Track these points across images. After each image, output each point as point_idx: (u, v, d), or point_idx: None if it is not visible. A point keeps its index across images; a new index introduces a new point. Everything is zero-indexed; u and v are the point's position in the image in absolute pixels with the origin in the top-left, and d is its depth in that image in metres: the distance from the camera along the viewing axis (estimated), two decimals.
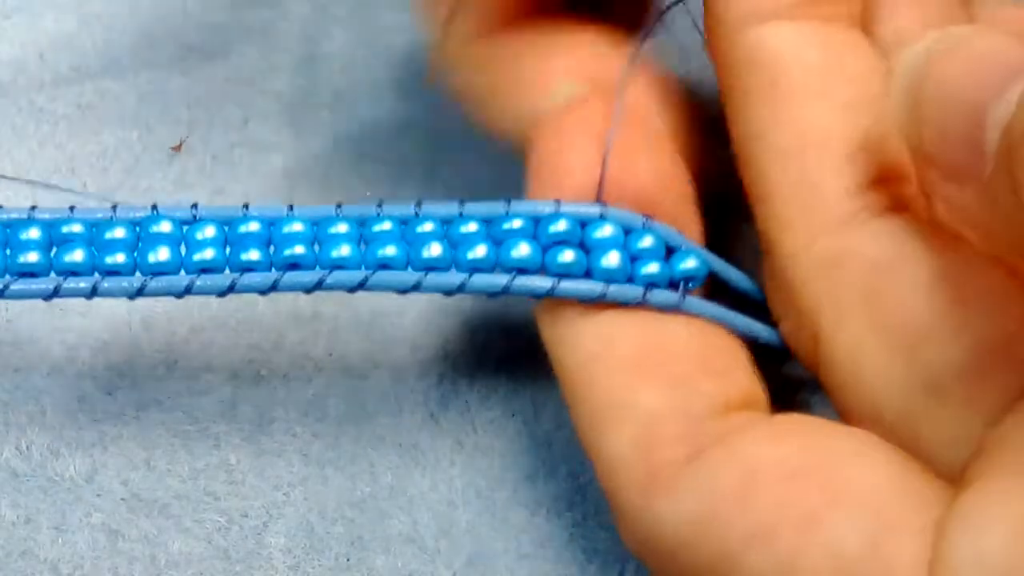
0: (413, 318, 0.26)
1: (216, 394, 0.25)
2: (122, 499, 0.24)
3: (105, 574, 0.23)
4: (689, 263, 0.22)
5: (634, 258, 0.21)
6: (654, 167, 0.22)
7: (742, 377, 0.21)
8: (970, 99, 0.17)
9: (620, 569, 0.23)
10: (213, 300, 0.25)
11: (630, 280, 0.21)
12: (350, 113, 0.28)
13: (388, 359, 0.25)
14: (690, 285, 0.22)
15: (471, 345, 0.26)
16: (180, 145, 0.28)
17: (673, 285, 0.22)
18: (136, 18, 0.29)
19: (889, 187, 0.21)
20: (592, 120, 0.22)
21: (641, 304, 0.21)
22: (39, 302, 0.24)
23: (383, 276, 0.21)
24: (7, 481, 0.24)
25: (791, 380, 0.23)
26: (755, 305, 0.23)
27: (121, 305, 0.25)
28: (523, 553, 0.24)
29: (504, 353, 0.25)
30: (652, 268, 0.21)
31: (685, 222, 0.22)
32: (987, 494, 0.18)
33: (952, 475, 0.19)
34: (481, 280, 0.21)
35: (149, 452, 0.24)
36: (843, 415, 0.21)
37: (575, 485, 0.24)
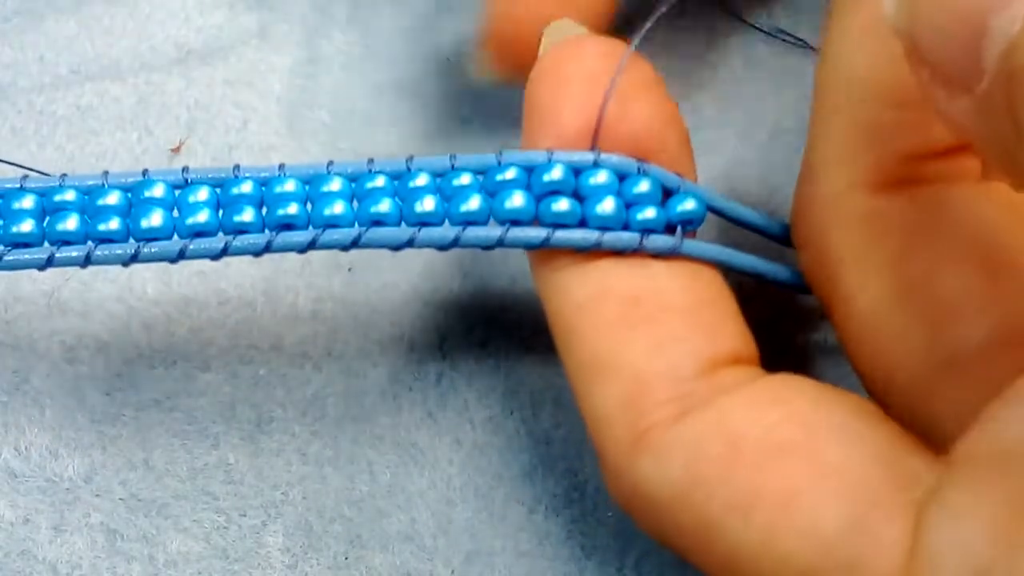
0: (411, 317, 0.26)
1: (215, 394, 0.25)
2: (121, 499, 0.24)
3: (104, 574, 0.23)
4: (687, 205, 0.21)
5: (630, 204, 0.21)
6: (651, 108, 0.21)
7: (732, 331, 0.21)
8: (969, 9, 0.16)
9: (618, 565, 0.23)
10: (212, 301, 0.25)
11: (626, 227, 0.21)
12: (350, 114, 0.28)
13: (386, 358, 0.25)
14: (688, 228, 0.21)
15: (469, 344, 0.25)
16: (179, 147, 0.28)
17: (671, 228, 0.21)
18: (135, 20, 0.29)
19: (942, 159, 0.21)
20: (586, 62, 0.21)
21: (639, 250, 0.21)
22: (38, 302, 0.24)
23: (377, 233, 0.21)
24: (6, 481, 0.24)
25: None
26: (763, 234, 0.23)
27: (120, 306, 0.25)
28: (521, 550, 0.24)
29: (502, 352, 0.25)
30: (648, 213, 0.21)
31: (685, 162, 0.22)
32: (971, 480, 0.17)
33: (944, 445, 0.19)
34: (475, 233, 0.21)
35: (148, 452, 0.24)
36: (855, 366, 0.21)
37: (573, 483, 0.24)
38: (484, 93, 0.28)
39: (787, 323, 0.25)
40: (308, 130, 0.28)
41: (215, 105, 0.28)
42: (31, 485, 0.24)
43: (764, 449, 0.19)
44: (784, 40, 0.29)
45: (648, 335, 0.20)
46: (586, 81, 0.21)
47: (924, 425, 0.20)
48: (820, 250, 0.21)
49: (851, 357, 0.21)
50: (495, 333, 0.26)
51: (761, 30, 0.29)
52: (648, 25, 0.22)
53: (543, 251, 0.21)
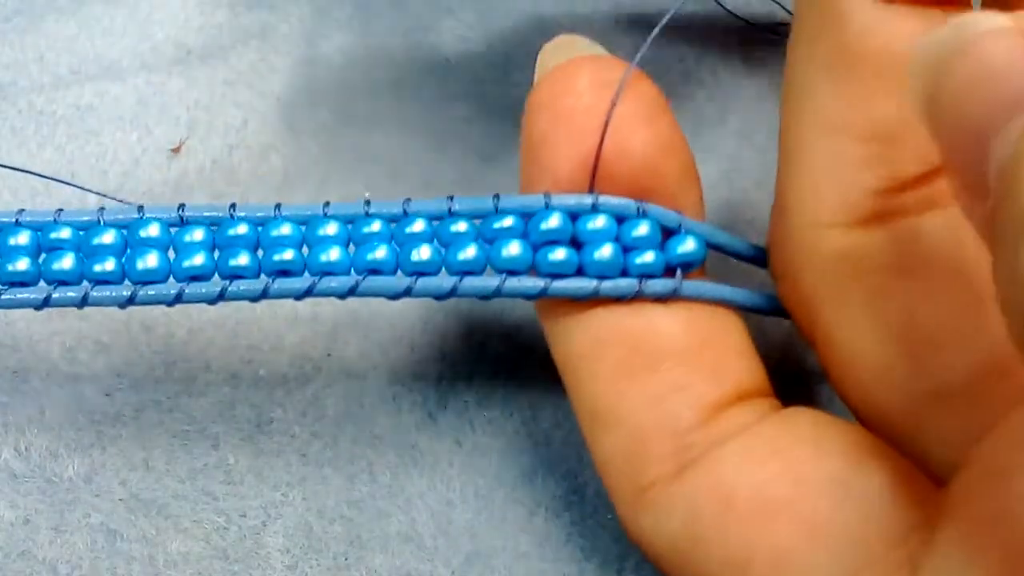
0: (411, 318, 0.26)
1: (214, 395, 0.25)
2: (121, 499, 0.24)
3: (104, 574, 0.23)
4: (687, 246, 0.21)
5: (629, 248, 0.21)
6: (651, 141, 0.21)
7: (736, 367, 0.21)
8: (976, 120, 0.15)
9: (618, 568, 0.23)
10: None
11: (624, 272, 0.21)
12: (349, 114, 0.28)
13: (386, 359, 0.25)
14: (688, 269, 0.21)
15: (469, 345, 0.25)
16: (179, 147, 0.28)
17: (671, 270, 0.21)
18: (135, 20, 0.29)
19: (914, 189, 0.20)
20: (582, 95, 0.21)
21: (636, 297, 0.21)
22: None
23: (373, 282, 0.21)
24: (6, 482, 0.24)
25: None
26: (763, 266, 0.23)
27: None
28: (521, 552, 0.24)
29: (502, 353, 0.25)
30: (647, 258, 0.21)
31: (685, 194, 0.21)
32: (964, 538, 0.17)
33: (940, 475, 0.19)
34: (472, 283, 0.21)
35: (148, 453, 0.24)
36: (840, 396, 0.21)
37: (573, 484, 0.24)
38: (484, 93, 0.28)
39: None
40: (308, 130, 0.28)
41: (215, 105, 0.28)
42: (31, 485, 0.24)
43: (756, 506, 0.19)
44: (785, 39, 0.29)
45: (647, 386, 0.20)
46: (582, 116, 0.21)
47: (916, 453, 0.19)
48: (796, 286, 0.21)
49: (835, 388, 0.21)
50: (495, 334, 0.26)
51: (761, 29, 0.29)
52: (644, 47, 0.21)
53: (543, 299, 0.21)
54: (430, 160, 0.28)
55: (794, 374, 0.25)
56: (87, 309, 0.25)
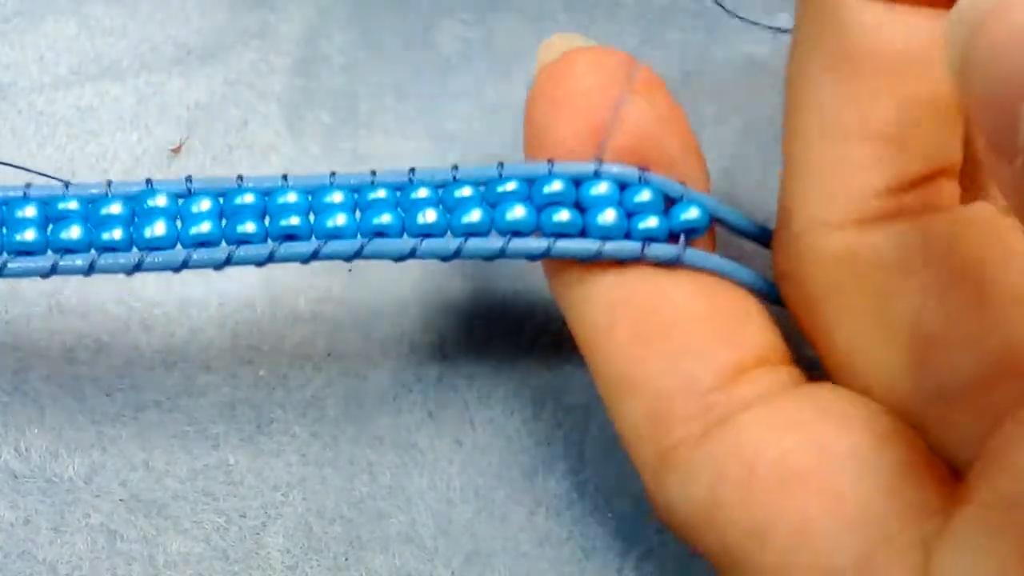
0: (411, 318, 0.26)
1: (215, 395, 0.25)
2: (121, 500, 0.24)
3: (104, 574, 0.23)
4: (690, 214, 0.21)
5: (632, 213, 0.21)
6: (650, 113, 0.21)
7: (752, 332, 0.21)
8: (1008, 82, 0.15)
9: (619, 567, 0.23)
10: (212, 301, 0.25)
11: (628, 236, 0.21)
12: (350, 114, 0.28)
13: (386, 359, 0.25)
14: (692, 236, 0.21)
15: (469, 344, 0.25)
16: (179, 147, 0.28)
17: (674, 237, 0.21)
18: (135, 20, 0.29)
19: (918, 189, 0.20)
20: (581, 78, 0.21)
21: (641, 259, 0.21)
22: (38, 303, 0.24)
23: (379, 244, 0.21)
24: (6, 482, 0.24)
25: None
26: (767, 246, 0.23)
27: (120, 306, 0.25)
28: (522, 551, 0.23)
29: (503, 352, 0.25)
30: (650, 223, 0.21)
31: (689, 169, 0.22)
32: (981, 525, 0.17)
33: (956, 466, 0.19)
34: (476, 244, 0.21)
35: (148, 453, 0.24)
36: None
37: (574, 483, 0.24)
38: (484, 92, 0.28)
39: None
40: (308, 130, 0.28)
41: (215, 105, 0.28)
42: (31, 485, 0.24)
43: (778, 475, 0.19)
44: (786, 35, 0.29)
45: (663, 349, 0.20)
46: (582, 97, 0.21)
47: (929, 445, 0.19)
48: (800, 287, 0.21)
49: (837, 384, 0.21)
50: (496, 334, 0.26)
51: (761, 26, 0.29)
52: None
53: (557, 268, 0.21)
54: (430, 160, 0.28)
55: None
56: (88, 308, 0.25)
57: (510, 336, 0.25)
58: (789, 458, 0.19)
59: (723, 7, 0.29)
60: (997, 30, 0.15)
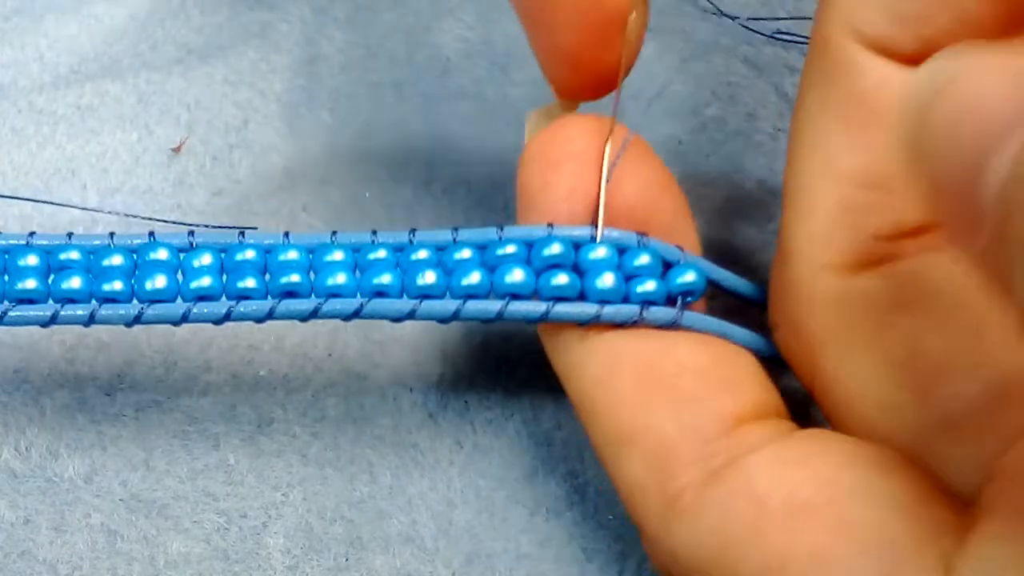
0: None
1: (215, 395, 0.25)
2: (121, 500, 0.24)
3: (104, 574, 0.23)
4: (687, 277, 0.21)
5: (630, 276, 0.21)
6: (644, 178, 0.22)
7: (751, 386, 0.21)
8: (967, 149, 0.14)
9: (619, 568, 0.23)
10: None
11: (626, 299, 0.21)
12: (350, 113, 0.28)
13: (387, 360, 0.25)
14: (688, 299, 0.22)
15: (470, 346, 0.25)
16: (180, 146, 0.28)
17: (672, 300, 0.21)
18: (135, 20, 0.29)
19: (914, 237, 0.21)
20: (574, 142, 0.21)
21: (639, 322, 0.21)
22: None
23: (378, 304, 0.21)
24: (6, 482, 0.24)
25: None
26: (759, 306, 0.23)
27: None
28: (522, 553, 0.24)
29: (503, 354, 0.25)
30: (649, 286, 0.21)
31: (681, 232, 0.22)
32: (1000, 538, 0.17)
33: (962, 494, 0.19)
34: (475, 307, 0.21)
35: (148, 453, 0.24)
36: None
37: (574, 485, 0.24)
38: (484, 93, 0.28)
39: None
40: (308, 130, 0.28)
41: (215, 105, 0.28)
42: (31, 485, 0.24)
43: (790, 509, 0.19)
44: (784, 40, 0.29)
45: (666, 400, 0.20)
46: (575, 161, 0.21)
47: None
48: (797, 331, 0.21)
49: (836, 426, 0.21)
50: (495, 334, 0.26)
51: (761, 33, 0.29)
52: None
53: (552, 330, 0.22)
54: (430, 160, 0.28)
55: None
56: None
57: (510, 336, 0.25)
58: (799, 492, 0.19)
59: (722, 12, 0.29)
60: (947, 107, 0.15)
